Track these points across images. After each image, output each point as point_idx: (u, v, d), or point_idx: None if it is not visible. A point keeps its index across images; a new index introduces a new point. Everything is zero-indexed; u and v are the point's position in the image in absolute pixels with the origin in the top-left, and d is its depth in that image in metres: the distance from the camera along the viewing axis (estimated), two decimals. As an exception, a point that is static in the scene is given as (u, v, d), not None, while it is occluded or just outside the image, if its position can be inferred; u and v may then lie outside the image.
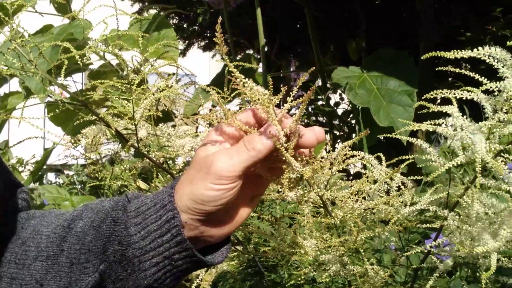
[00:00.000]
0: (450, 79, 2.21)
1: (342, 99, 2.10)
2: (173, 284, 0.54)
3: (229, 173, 0.51)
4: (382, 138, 2.06)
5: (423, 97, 0.59)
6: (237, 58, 2.15)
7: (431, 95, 0.53)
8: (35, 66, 0.78)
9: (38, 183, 1.96)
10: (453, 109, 0.51)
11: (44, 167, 2.17)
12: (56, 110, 0.79)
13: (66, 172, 2.48)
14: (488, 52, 0.45)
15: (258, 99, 0.53)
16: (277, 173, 0.57)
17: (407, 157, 0.68)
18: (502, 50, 0.46)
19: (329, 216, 0.67)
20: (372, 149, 1.78)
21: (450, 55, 0.47)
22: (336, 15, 2.03)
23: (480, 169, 0.45)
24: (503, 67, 0.46)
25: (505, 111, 0.47)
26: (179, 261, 0.53)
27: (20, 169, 2.14)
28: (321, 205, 0.63)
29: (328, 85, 2.03)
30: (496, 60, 0.46)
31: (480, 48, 0.46)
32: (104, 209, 0.56)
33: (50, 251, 0.57)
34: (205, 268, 1.16)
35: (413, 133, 1.76)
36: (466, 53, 0.46)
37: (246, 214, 0.57)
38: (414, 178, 0.75)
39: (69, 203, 1.71)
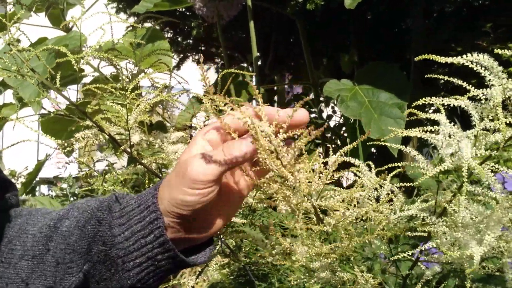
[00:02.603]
0: (442, 93, 2.24)
1: (334, 112, 2.12)
2: (156, 284, 0.55)
3: (204, 177, 0.51)
4: (375, 151, 2.08)
5: (412, 105, 0.60)
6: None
7: (421, 102, 0.54)
8: (31, 69, 0.78)
9: (30, 195, 1.95)
10: (441, 116, 0.53)
11: (37, 179, 2.16)
12: (45, 117, 0.80)
13: (59, 185, 2.47)
14: (476, 59, 0.47)
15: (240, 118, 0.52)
16: (263, 174, 0.57)
17: (396, 164, 0.69)
18: (490, 57, 0.47)
19: (321, 224, 0.68)
20: (364, 161, 1.80)
21: (439, 59, 0.49)
22: (329, 29, 2.06)
23: (467, 175, 0.46)
24: (490, 74, 0.47)
25: (491, 118, 0.48)
26: (162, 261, 0.53)
27: (13, 181, 2.13)
28: (313, 212, 0.64)
29: (321, 98, 2.05)
30: (483, 68, 0.47)
31: (469, 54, 0.47)
32: (89, 208, 0.57)
33: (36, 250, 0.57)
34: (197, 279, 1.16)
35: (405, 145, 1.77)
36: (455, 60, 0.48)
37: (228, 217, 0.57)
38: (404, 185, 0.76)
39: (61, 214, 1.70)
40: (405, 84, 1.67)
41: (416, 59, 0.53)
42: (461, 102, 0.50)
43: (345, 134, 1.99)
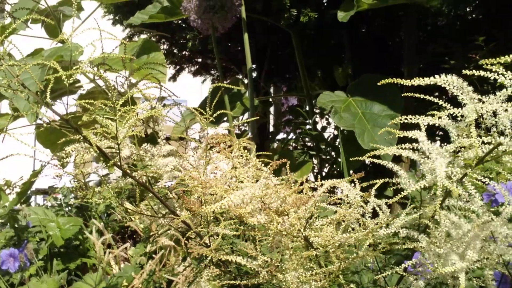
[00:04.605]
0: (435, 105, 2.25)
1: (329, 123, 2.13)
2: None
3: None
4: (368, 161, 2.09)
5: (400, 121, 0.61)
6: (225, 83, 2.18)
7: (400, 120, 0.55)
8: (21, 84, 0.79)
9: (25, 205, 1.96)
10: (419, 134, 0.54)
11: (33, 189, 2.16)
12: (41, 128, 0.81)
13: (54, 195, 2.47)
14: (444, 80, 0.48)
15: None
16: None
17: (387, 180, 0.69)
18: (458, 78, 0.49)
19: (311, 249, 0.68)
20: (358, 173, 1.80)
21: (407, 82, 0.50)
22: (323, 41, 2.08)
23: (442, 193, 0.47)
24: (462, 94, 0.48)
25: (466, 135, 0.49)
26: None
27: (8, 191, 2.13)
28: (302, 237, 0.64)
29: (316, 110, 2.06)
30: (455, 88, 0.48)
31: (437, 76, 0.48)
32: None
33: None
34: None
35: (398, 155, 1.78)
36: (422, 81, 0.49)
37: None
38: (390, 201, 0.77)
39: (55, 224, 1.71)
40: (397, 96, 1.68)
41: (380, 83, 0.53)
42: (438, 120, 0.51)
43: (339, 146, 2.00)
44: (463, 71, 0.49)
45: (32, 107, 0.82)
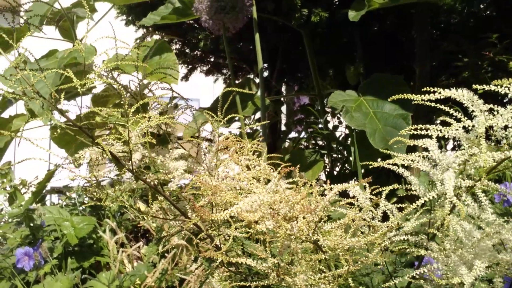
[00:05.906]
0: (449, 103, 2.23)
1: (340, 122, 2.13)
2: None
3: None
4: (381, 161, 2.08)
5: (413, 126, 0.61)
6: (236, 82, 2.19)
7: (409, 130, 0.55)
8: (36, 92, 0.81)
9: (40, 204, 1.98)
10: (430, 142, 0.54)
11: (48, 188, 2.19)
12: (55, 133, 0.82)
13: (71, 194, 2.50)
14: (455, 94, 0.48)
15: None
16: None
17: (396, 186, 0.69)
18: (469, 92, 0.49)
19: (320, 252, 0.69)
20: (371, 173, 1.79)
21: (417, 98, 0.50)
22: (334, 40, 2.07)
23: (450, 206, 0.47)
24: (472, 106, 0.48)
25: (476, 147, 0.49)
26: None
27: (23, 190, 2.16)
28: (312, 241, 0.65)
29: (328, 109, 2.06)
30: (466, 100, 0.49)
31: (447, 89, 0.48)
32: None
33: None
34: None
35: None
36: (432, 96, 0.49)
37: None
38: (403, 205, 0.77)
39: (70, 223, 1.73)
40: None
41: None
42: (451, 132, 0.51)
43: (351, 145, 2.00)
44: (473, 86, 0.49)
45: (46, 113, 0.84)
